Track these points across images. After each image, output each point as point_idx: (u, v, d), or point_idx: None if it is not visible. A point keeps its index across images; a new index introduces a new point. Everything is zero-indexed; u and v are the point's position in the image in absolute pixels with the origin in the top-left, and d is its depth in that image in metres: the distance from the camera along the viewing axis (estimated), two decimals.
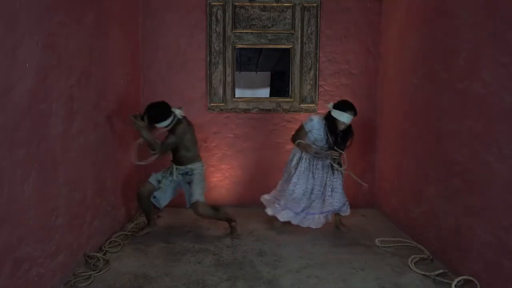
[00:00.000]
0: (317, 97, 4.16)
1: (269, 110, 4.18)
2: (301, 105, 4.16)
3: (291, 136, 3.42)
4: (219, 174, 4.25)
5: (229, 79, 4.12)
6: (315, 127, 3.24)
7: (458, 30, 2.61)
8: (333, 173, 3.37)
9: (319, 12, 4.07)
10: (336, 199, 3.39)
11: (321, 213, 3.41)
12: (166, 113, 3.09)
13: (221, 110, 4.16)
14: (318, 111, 4.17)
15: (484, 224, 2.33)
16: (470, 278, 2.38)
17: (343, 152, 3.28)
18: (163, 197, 3.28)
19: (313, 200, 3.38)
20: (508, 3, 2.14)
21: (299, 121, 4.16)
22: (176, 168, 3.27)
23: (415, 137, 3.24)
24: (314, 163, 3.37)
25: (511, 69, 2.11)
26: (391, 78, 3.82)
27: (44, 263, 2.18)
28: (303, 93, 4.16)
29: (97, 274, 2.53)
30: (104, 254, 2.84)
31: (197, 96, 4.16)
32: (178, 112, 3.16)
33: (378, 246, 3.12)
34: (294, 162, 3.40)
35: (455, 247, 2.62)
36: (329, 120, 3.20)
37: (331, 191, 3.39)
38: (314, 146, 3.28)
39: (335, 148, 3.25)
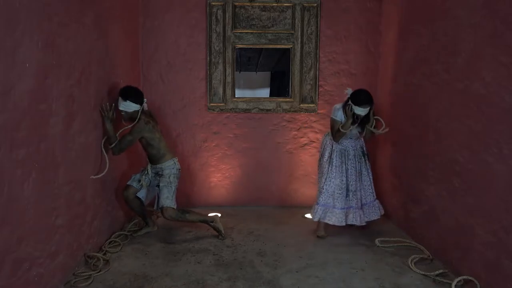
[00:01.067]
0: (317, 97, 4.16)
1: (269, 110, 4.18)
2: (301, 105, 4.16)
3: (331, 136, 3.32)
4: (219, 174, 4.25)
5: (229, 79, 4.12)
6: (342, 114, 3.23)
7: (458, 30, 2.61)
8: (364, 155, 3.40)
9: (319, 12, 4.07)
10: (364, 194, 3.36)
11: (360, 207, 3.33)
12: (137, 96, 3.07)
13: (221, 110, 4.16)
14: (318, 111, 4.18)
15: (484, 224, 2.33)
16: (470, 278, 2.38)
17: (373, 122, 3.28)
18: (143, 195, 3.29)
19: (351, 194, 3.29)
20: (508, 3, 2.14)
21: (299, 121, 4.17)
22: (151, 166, 3.25)
23: (415, 137, 3.24)
24: (346, 154, 3.32)
25: (511, 69, 2.11)
26: (391, 78, 3.82)
27: (44, 263, 2.18)
28: (303, 93, 4.16)
29: (97, 274, 2.53)
30: (104, 254, 2.85)
31: (197, 96, 4.16)
32: (145, 106, 3.16)
33: (378, 246, 3.12)
34: (326, 157, 3.35)
35: (455, 247, 2.62)
36: (349, 109, 3.17)
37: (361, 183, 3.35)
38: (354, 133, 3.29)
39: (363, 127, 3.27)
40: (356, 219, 3.26)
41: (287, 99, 4.18)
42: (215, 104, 4.15)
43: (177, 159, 3.28)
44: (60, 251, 2.36)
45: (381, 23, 4.09)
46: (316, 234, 3.34)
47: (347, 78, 4.17)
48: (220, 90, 4.14)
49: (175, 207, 3.17)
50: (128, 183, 3.25)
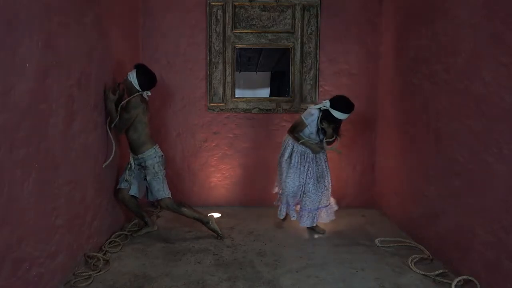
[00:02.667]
0: (317, 97, 4.16)
1: (269, 110, 4.18)
2: (301, 105, 4.16)
3: (289, 130, 3.41)
4: (219, 174, 4.25)
5: (229, 79, 4.12)
6: (314, 122, 3.24)
7: (458, 30, 2.61)
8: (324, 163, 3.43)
9: (319, 12, 4.07)
10: (325, 196, 3.42)
11: (317, 209, 3.39)
12: (148, 77, 3.11)
13: (221, 110, 4.16)
14: None
15: (484, 224, 2.33)
16: (470, 278, 2.38)
17: (338, 138, 3.35)
18: (135, 191, 3.24)
19: (306, 195, 3.35)
20: (508, 3, 2.14)
21: None
22: (133, 157, 3.20)
23: (415, 137, 3.24)
24: (305, 156, 3.38)
25: (511, 69, 2.11)
26: (391, 78, 3.82)
27: (44, 263, 2.18)
28: (303, 93, 4.16)
29: (97, 274, 2.53)
30: (104, 254, 2.85)
31: (197, 96, 4.16)
32: (146, 94, 3.15)
33: (378, 246, 3.12)
34: (286, 156, 3.40)
35: (455, 247, 2.62)
36: (328, 117, 3.17)
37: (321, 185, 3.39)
38: (315, 143, 3.33)
39: (326, 140, 3.33)
40: (307, 221, 3.36)
41: (287, 99, 4.18)
42: (215, 104, 4.15)
43: (158, 147, 3.22)
44: (60, 251, 2.36)
45: (381, 23, 4.09)
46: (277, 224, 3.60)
47: (347, 78, 4.17)
48: (220, 90, 4.14)
49: (170, 195, 3.19)
50: (118, 187, 3.23)
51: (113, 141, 3.07)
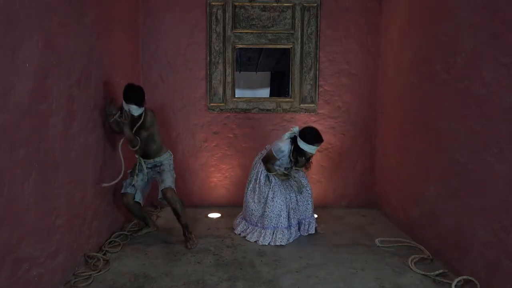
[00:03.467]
0: (317, 97, 4.16)
1: (269, 110, 4.18)
2: (301, 105, 4.17)
3: (262, 160, 3.35)
4: (219, 174, 4.25)
5: (229, 79, 4.12)
6: (285, 155, 3.23)
7: (458, 30, 2.61)
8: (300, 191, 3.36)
9: (319, 12, 4.07)
10: (302, 210, 3.36)
11: (312, 215, 3.37)
12: (128, 89, 2.96)
13: (221, 110, 4.16)
14: (318, 111, 4.18)
15: (484, 224, 2.33)
16: (470, 278, 2.38)
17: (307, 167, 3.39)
18: (139, 197, 3.21)
19: (292, 212, 3.29)
20: (508, 3, 2.14)
21: (299, 121, 4.17)
22: (144, 162, 3.21)
23: (415, 137, 3.24)
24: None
25: (511, 69, 2.11)
26: (391, 78, 3.82)
27: (44, 263, 2.18)
28: (303, 93, 4.16)
29: (97, 274, 2.53)
30: (104, 254, 2.85)
31: (197, 96, 4.16)
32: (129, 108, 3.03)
33: (378, 246, 3.12)
34: (263, 180, 3.31)
35: (455, 247, 2.62)
36: (296, 150, 3.16)
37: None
38: (283, 172, 3.35)
39: (296, 167, 3.38)
40: (311, 229, 3.34)
41: (287, 99, 4.18)
42: (215, 104, 4.15)
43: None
44: (60, 251, 2.36)
45: (381, 23, 4.09)
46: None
47: (347, 78, 4.17)
48: (220, 90, 4.14)
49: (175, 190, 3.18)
50: (123, 191, 3.18)
51: (122, 162, 3.09)
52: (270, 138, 4.20)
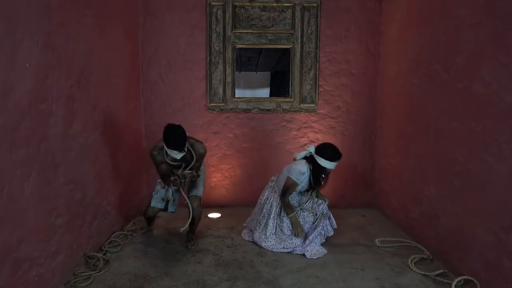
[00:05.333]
0: (317, 97, 4.16)
1: (269, 110, 4.18)
2: (301, 105, 4.16)
3: (283, 193, 3.07)
4: (219, 174, 4.25)
5: (229, 79, 4.12)
6: (306, 176, 3.05)
7: (458, 30, 2.61)
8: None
9: (319, 12, 4.07)
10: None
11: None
12: (166, 136, 2.73)
13: (221, 110, 4.16)
14: (318, 111, 4.18)
15: (484, 224, 2.33)
16: (470, 278, 2.38)
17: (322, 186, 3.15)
18: (175, 208, 3.21)
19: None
20: (508, 3, 2.14)
21: (299, 121, 4.18)
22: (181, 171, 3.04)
23: (415, 137, 3.24)
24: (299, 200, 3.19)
25: (511, 69, 2.11)
26: (391, 78, 3.82)
27: (44, 263, 2.18)
28: (303, 93, 4.16)
29: (97, 274, 2.53)
30: (104, 254, 2.85)
31: (197, 96, 4.16)
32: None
33: (378, 246, 3.12)
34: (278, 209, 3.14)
35: (455, 247, 2.62)
36: (316, 169, 3.01)
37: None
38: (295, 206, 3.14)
39: (315, 189, 3.15)
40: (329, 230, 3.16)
41: (287, 99, 4.18)
42: (215, 104, 4.15)
43: None
44: (60, 251, 2.36)
45: (381, 23, 4.09)
46: None
47: (347, 78, 4.17)
48: (220, 90, 4.14)
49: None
50: (152, 205, 3.12)
51: (189, 204, 2.96)
52: (270, 138, 4.21)
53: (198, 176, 3.03)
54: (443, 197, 2.79)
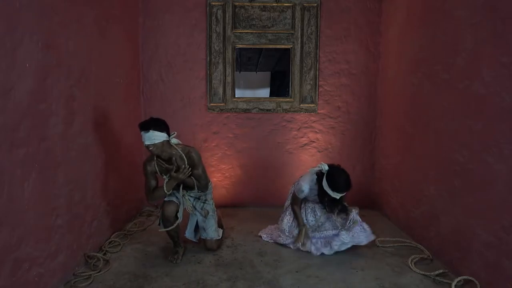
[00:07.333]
0: (317, 97, 4.16)
1: (269, 110, 4.18)
2: (301, 105, 4.16)
3: (291, 203, 3.11)
4: (219, 174, 4.25)
5: (229, 79, 4.12)
6: (308, 193, 2.98)
7: (458, 30, 2.61)
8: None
9: (319, 12, 4.07)
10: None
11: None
12: (161, 125, 2.57)
13: (221, 110, 4.16)
14: (318, 111, 4.18)
15: (484, 224, 2.33)
16: (470, 278, 2.38)
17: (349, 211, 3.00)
18: (193, 234, 3.03)
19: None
20: (508, 3, 2.14)
21: (299, 121, 4.18)
22: (187, 192, 2.92)
23: (415, 137, 3.24)
24: (314, 209, 3.10)
25: (511, 69, 2.11)
26: (391, 78, 3.82)
27: (44, 263, 2.18)
28: (303, 93, 4.16)
29: (97, 274, 2.53)
30: (104, 254, 2.84)
31: (197, 96, 4.16)
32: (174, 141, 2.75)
33: (378, 246, 3.12)
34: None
35: (455, 247, 2.62)
36: (321, 190, 2.85)
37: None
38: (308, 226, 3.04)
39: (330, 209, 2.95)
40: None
41: (287, 99, 4.18)
42: (215, 104, 4.15)
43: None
44: (60, 251, 2.36)
45: (381, 23, 4.09)
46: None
47: (347, 78, 4.17)
48: (220, 90, 4.14)
49: (220, 236, 3.00)
50: (167, 199, 2.79)
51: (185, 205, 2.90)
52: (270, 138, 4.21)
53: (190, 172, 2.68)
54: (443, 197, 2.79)
